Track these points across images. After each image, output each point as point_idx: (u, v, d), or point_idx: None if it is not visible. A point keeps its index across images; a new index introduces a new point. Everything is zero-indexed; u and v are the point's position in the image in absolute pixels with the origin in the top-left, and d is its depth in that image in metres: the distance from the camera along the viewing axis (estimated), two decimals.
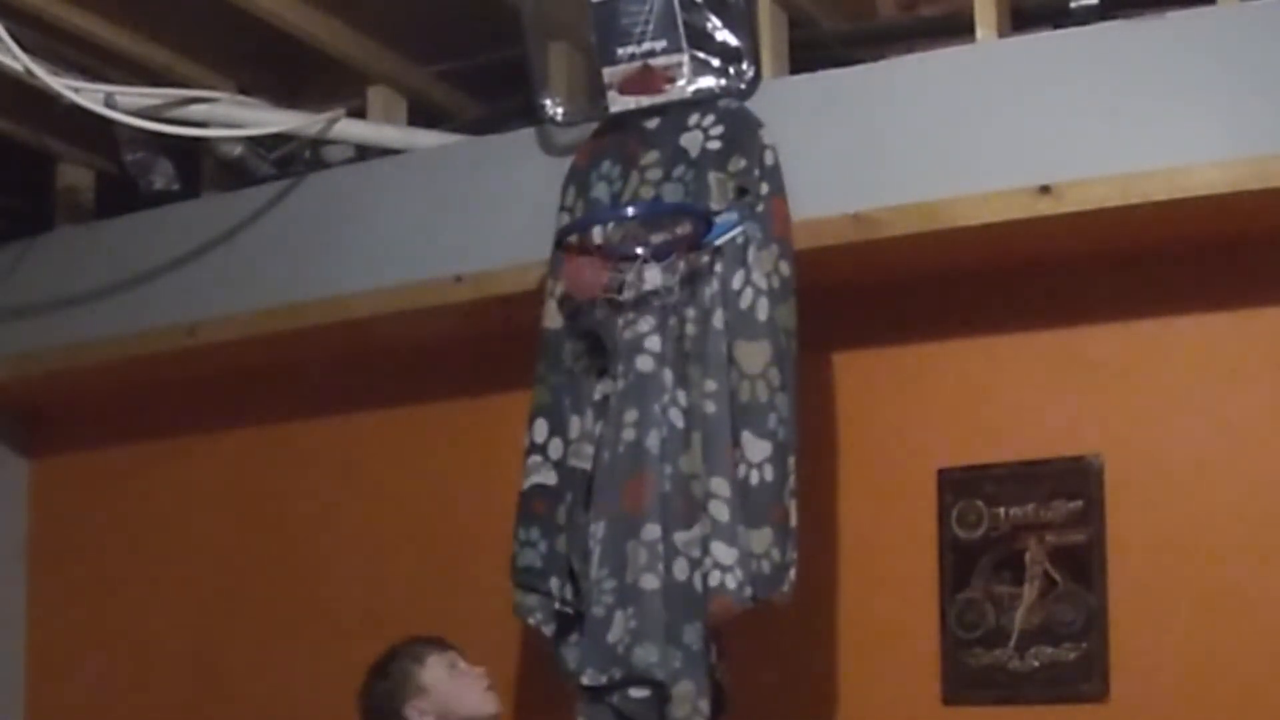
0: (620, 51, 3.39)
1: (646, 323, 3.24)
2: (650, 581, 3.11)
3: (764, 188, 3.25)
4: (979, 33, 3.31)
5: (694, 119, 3.35)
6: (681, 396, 3.19)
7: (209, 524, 4.29)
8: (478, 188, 3.68)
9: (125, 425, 4.45)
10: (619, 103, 3.42)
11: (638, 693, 3.11)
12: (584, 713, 3.17)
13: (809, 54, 3.53)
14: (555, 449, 3.33)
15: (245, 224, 3.97)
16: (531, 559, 3.29)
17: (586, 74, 3.59)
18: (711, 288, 3.22)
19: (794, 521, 3.13)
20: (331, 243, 3.85)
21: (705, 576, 3.10)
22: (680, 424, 3.18)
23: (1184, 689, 3.19)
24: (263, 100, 3.97)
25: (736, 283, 3.20)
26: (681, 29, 3.36)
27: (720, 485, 3.13)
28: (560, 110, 3.58)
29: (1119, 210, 3.08)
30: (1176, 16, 3.13)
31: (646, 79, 3.39)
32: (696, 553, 3.12)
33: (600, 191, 3.39)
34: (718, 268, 3.22)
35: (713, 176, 3.28)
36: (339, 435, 4.15)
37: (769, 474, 3.12)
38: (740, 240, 3.22)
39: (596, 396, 3.30)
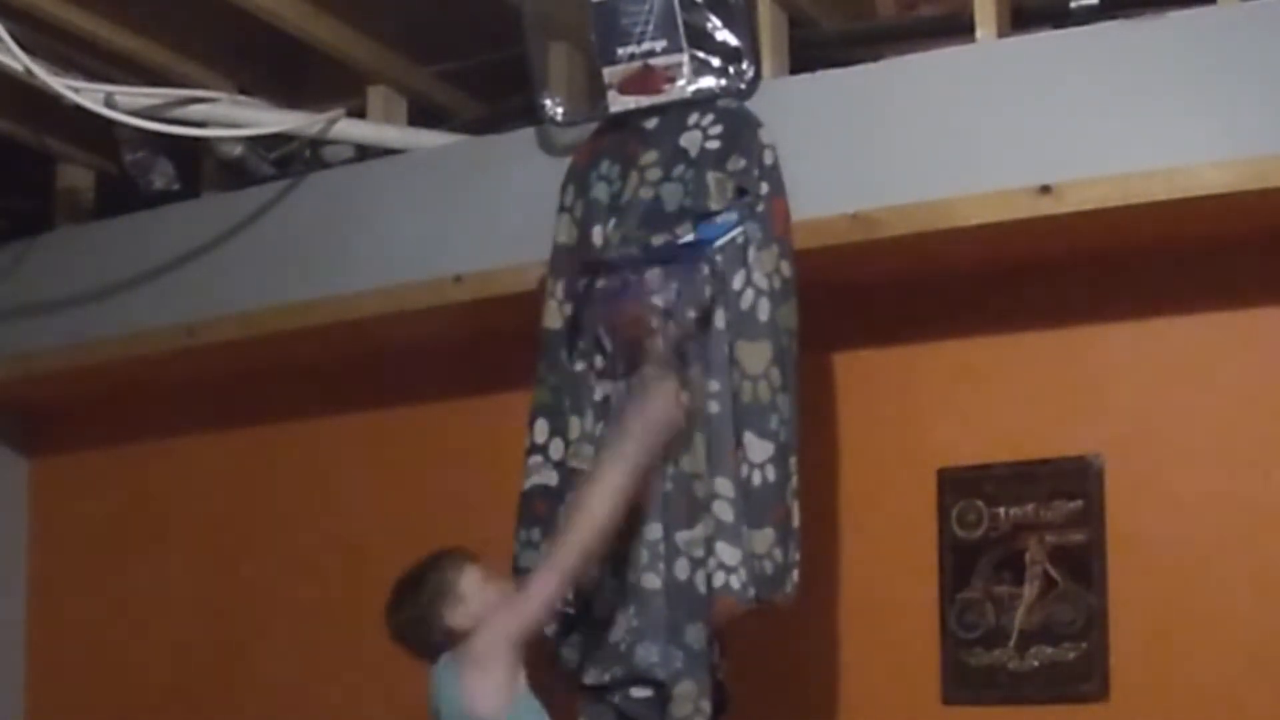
0: (620, 51, 3.39)
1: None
2: (652, 581, 3.11)
3: (763, 187, 3.24)
4: (979, 33, 3.31)
5: (693, 119, 3.35)
6: (684, 397, 3.19)
7: (209, 523, 4.29)
8: (478, 188, 3.68)
9: (125, 425, 4.45)
10: (619, 103, 3.42)
11: (639, 692, 3.11)
12: (585, 712, 3.17)
13: (809, 54, 3.52)
14: (556, 449, 3.33)
15: (245, 224, 3.97)
16: (533, 559, 3.29)
17: (586, 74, 3.59)
18: (712, 288, 3.22)
19: (796, 522, 3.13)
20: (331, 243, 3.85)
21: (709, 577, 3.10)
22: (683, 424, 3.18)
23: (1184, 689, 3.19)
24: (263, 100, 3.97)
25: (737, 283, 3.20)
26: (681, 29, 3.36)
27: (724, 486, 3.13)
28: (560, 110, 3.58)
29: (1119, 210, 3.08)
30: (1176, 16, 3.13)
31: (646, 79, 3.38)
32: (699, 553, 3.12)
33: (600, 191, 3.39)
34: (718, 268, 3.22)
35: (712, 176, 3.27)
36: (339, 435, 4.15)
37: (771, 474, 3.12)
38: (740, 240, 3.22)
39: (597, 397, 3.30)
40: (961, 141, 3.20)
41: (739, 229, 3.22)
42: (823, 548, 3.44)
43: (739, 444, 3.13)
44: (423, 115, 3.99)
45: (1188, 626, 3.20)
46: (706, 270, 3.21)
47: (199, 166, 4.17)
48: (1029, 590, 3.33)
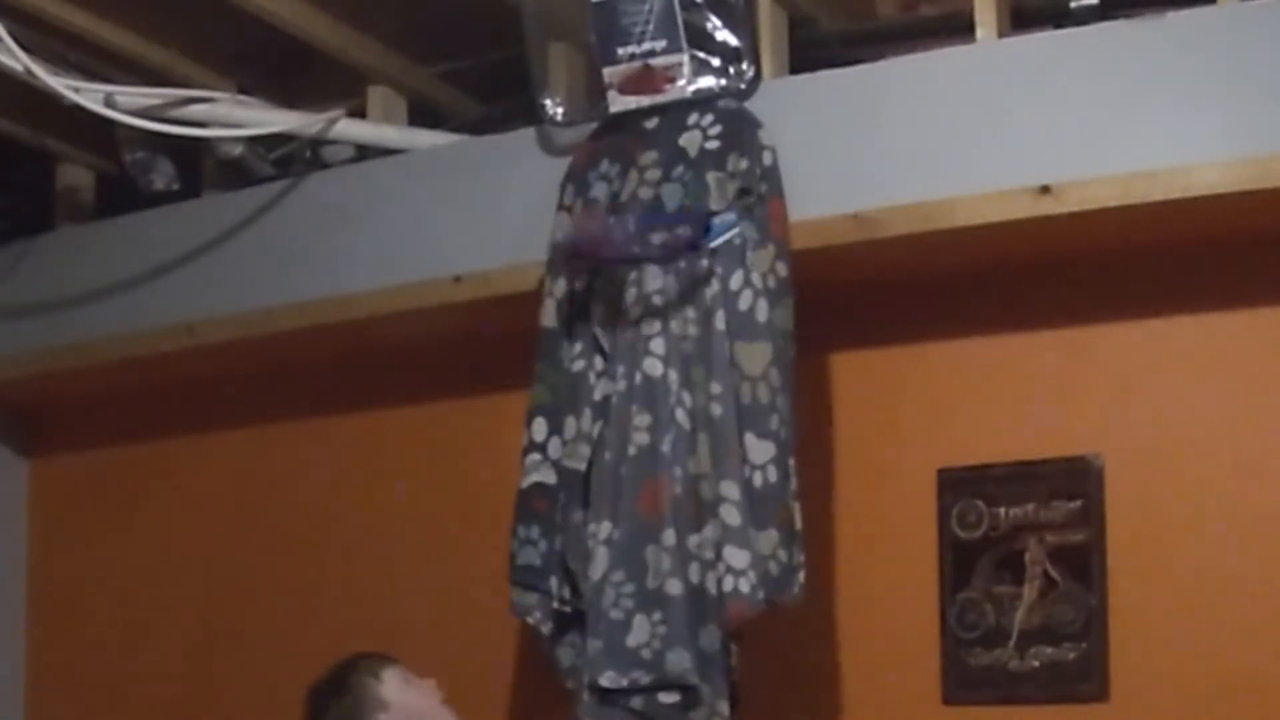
0: (620, 51, 3.39)
1: (649, 325, 3.24)
2: (675, 587, 3.11)
3: (763, 187, 3.25)
4: (979, 33, 3.31)
5: (693, 119, 3.35)
6: (686, 398, 3.19)
7: (209, 524, 4.29)
8: (478, 188, 3.68)
9: (125, 425, 4.45)
10: (619, 103, 3.42)
11: (667, 697, 3.11)
12: (594, 714, 3.15)
13: (809, 54, 3.52)
14: (554, 448, 3.33)
15: (245, 224, 3.97)
16: (531, 557, 3.29)
17: (586, 74, 3.59)
18: (711, 289, 3.22)
19: (799, 523, 3.13)
20: (331, 243, 3.85)
21: (719, 581, 3.10)
22: (686, 426, 3.18)
23: (1184, 689, 3.18)
24: (263, 100, 3.97)
25: (735, 284, 3.20)
26: (681, 29, 3.36)
27: (730, 489, 3.13)
28: (560, 110, 3.58)
29: (1119, 210, 3.07)
30: (1176, 16, 3.13)
31: (646, 79, 3.38)
32: (709, 555, 3.12)
33: (599, 191, 3.39)
34: (717, 269, 3.22)
35: (712, 176, 3.27)
36: (339, 435, 4.15)
37: (773, 475, 3.12)
38: (738, 241, 3.22)
39: (596, 397, 3.30)
40: (961, 141, 3.20)
41: (736, 229, 3.22)
42: (822, 548, 3.44)
43: (741, 445, 3.14)
44: (423, 115, 3.99)
45: (1188, 626, 3.20)
46: (705, 269, 3.22)
47: (199, 166, 4.17)
48: (1029, 590, 3.33)
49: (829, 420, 3.54)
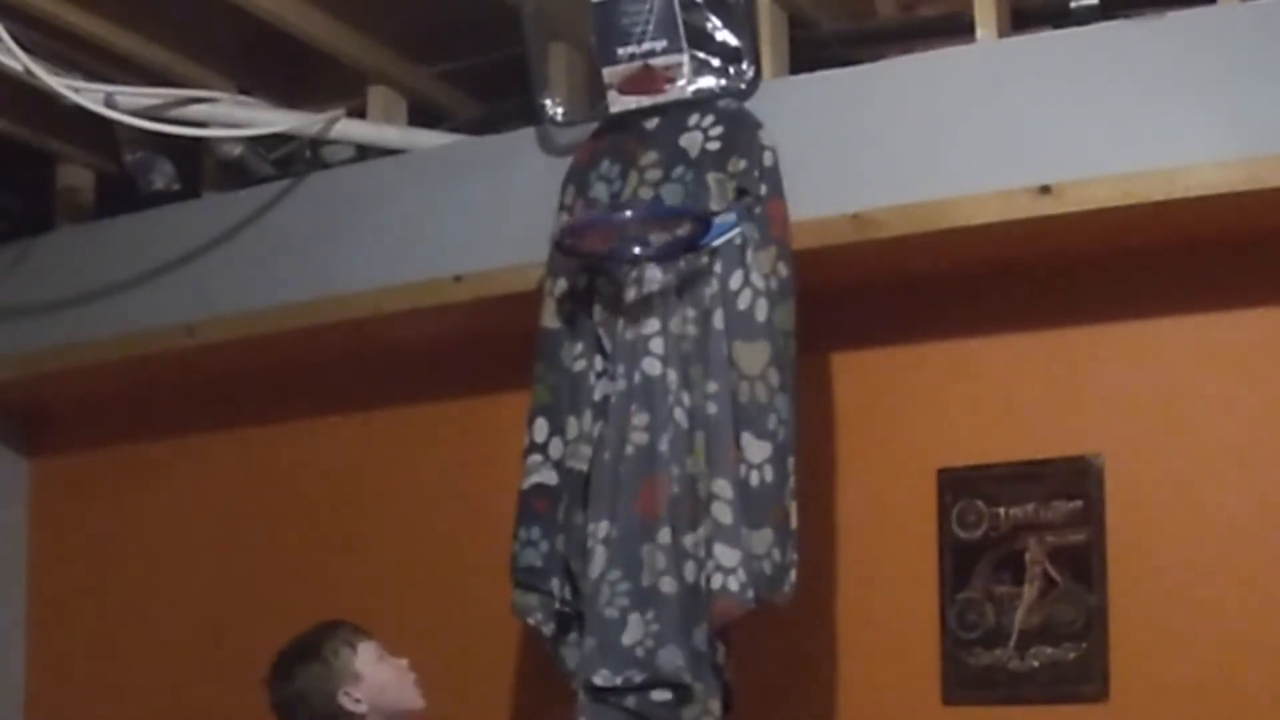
0: (620, 51, 3.39)
1: (649, 324, 3.24)
2: (669, 585, 3.11)
3: (762, 188, 3.25)
4: (979, 33, 3.31)
5: (693, 119, 3.35)
6: (685, 397, 3.19)
7: (209, 524, 4.29)
8: (478, 188, 3.68)
9: (125, 425, 4.45)
10: (619, 103, 3.42)
11: (660, 695, 3.11)
12: (590, 713, 3.15)
13: (809, 54, 3.52)
14: (555, 448, 3.34)
15: (245, 224, 3.97)
16: (532, 558, 3.29)
17: (586, 74, 3.59)
18: (711, 288, 3.22)
19: (794, 523, 3.13)
20: (331, 243, 3.85)
21: (708, 579, 3.10)
22: (685, 425, 3.18)
23: (1184, 689, 3.18)
24: (263, 100, 3.97)
25: (735, 283, 3.20)
26: (681, 29, 3.36)
27: (723, 487, 3.13)
28: (560, 110, 3.58)
29: (1119, 210, 3.07)
30: (1176, 16, 3.13)
31: (646, 79, 3.38)
32: (702, 553, 3.12)
33: (599, 191, 3.39)
34: (717, 268, 3.22)
35: (712, 177, 3.28)
36: (339, 435, 4.15)
37: (769, 475, 3.12)
38: (738, 241, 3.22)
39: (596, 397, 3.30)
40: (961, 141, 3.20)
41: (737, 230, 3.22)
42: (822, 548, 3.44)
43: (737, 444, 3.14)
44: (423, 115, 3.99)
45: (1188, 626, 3.20)
46: (704, 268, 3.22)
47: (199, 166, 4.17)
48: (1029, 590, 3.33)
49: (829, 420, 3.54)
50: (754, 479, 3.12)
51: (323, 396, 4.17)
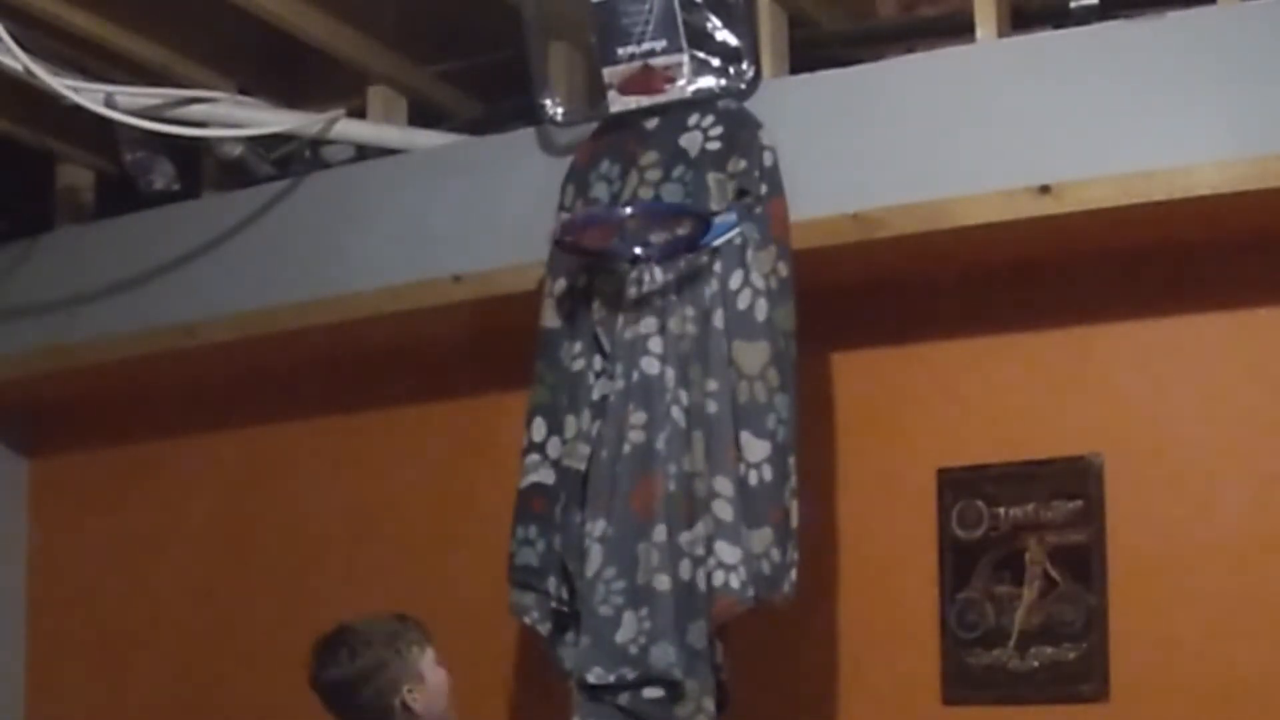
0: (620, 51, 3.39)
1: (648, 324, 3.24)
2: (663, 582, 3.11)
3: (763, 188, 3.25)
4: (979, 33, 3.31)
5: (693, 119, 3.35)
6: (683, 396, 3.19)
7: (208, 524, 4.29)
8: (478, 188, 3.68)
9: (125, 425, 4.45)
10: (619, 103, 3.42)
11: (652, 692, 3.11)
12: (584, 711, 3.16)
13: (809, 54, 3.52)
14: (554, 448, 3.34)
15: (245, 224, 3.97)
16: (529, 557, 3.29)
17: (586, 74, 3.59)
18: (711, 288, 3.22)
19: (794, 522, 3.13)
20: (331, 243, 3.85)
21: (709, 576, 3.10)
22: (682, 423, 3.18)
23: (1184, 689, 3.18)
24: (263, 100, 3.97)
25: (735, 283, 3.20)
26: (681, 29, 3.36)
27: (723, 485, 3.13)
28: (560, 110, 3.58)
29: (1119, 210, 3.08)
30: (1176, 16, 3.13)
31: (646, 79, 3.38)
32: (700, 551, 3.12)
33: (599, 191, 3.39)
34: (717, 268, 3.22)
35: (712, 177, 3.28)
36: (338, 435, 4.15)
37: (768, 474, 3.12)
38: (738, 241, 3.22)
39: (595, 396, 3.30)
40: (961, 141, 3.20)
41: (737, 230, 3.22)
42: (822, 547, 3.44)
43: (736, 443, 3.14)
44: (423, 115, 3.99)
45: (1188, 626, 3.20)
46: (704, 268, 3.22)
47: (199, 166, 4.17)
48: (1029, 590, 3.33)
49: (829, 420, 3.54)
50: (753, 478, 3.12)
51: (323, 396, 4.17)
